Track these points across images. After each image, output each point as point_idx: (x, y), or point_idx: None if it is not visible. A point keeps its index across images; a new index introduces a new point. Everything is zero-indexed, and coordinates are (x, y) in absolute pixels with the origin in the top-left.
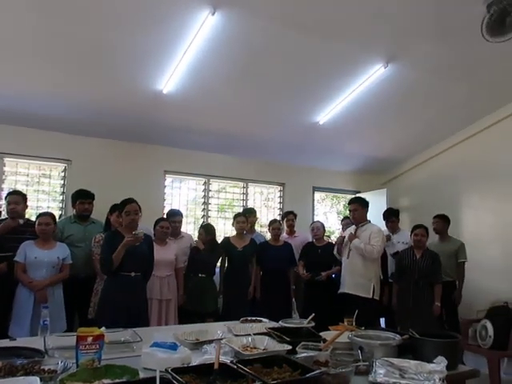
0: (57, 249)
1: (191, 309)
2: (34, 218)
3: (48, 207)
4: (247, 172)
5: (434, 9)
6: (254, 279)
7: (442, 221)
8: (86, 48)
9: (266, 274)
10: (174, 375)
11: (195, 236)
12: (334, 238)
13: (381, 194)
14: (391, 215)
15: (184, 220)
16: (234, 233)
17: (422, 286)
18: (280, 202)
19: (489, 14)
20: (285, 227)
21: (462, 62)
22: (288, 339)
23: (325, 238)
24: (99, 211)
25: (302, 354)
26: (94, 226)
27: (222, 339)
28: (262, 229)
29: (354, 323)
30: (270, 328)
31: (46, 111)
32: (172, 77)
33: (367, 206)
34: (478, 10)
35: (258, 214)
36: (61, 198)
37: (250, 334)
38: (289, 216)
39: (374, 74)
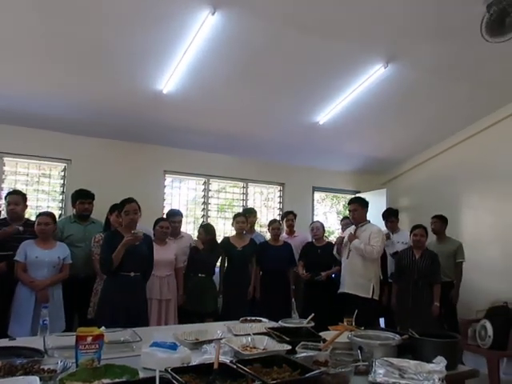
0: (57, 248)
1: (191, 309)
2: (33, 218)
3: (48, 207)
4: (247, 172)
5: (434, 9)
6: (254, 279)
7: (440, 221)
8: (86, 48)
9: (266, 274)
10: (174, 375)
11: (195, 236)
12: (333, 238)
13: (381, 194)
14: (390, 215)
15: (184, 220)
16: (234, 233)
17: (421, 286)
18: (280, 202)
19: (488, 14)
20: (284, 227)
21: (462, 62)
22: (288, 339)
23: (324, 237)
24: (99, 211)
25: (302, 353)
26: (93, 226)
27: (221, 339)
28: (262, 229)
29: (353, 323)
30: (269, 328)
31: (45, 111)
32: (172, 77)
33: (367, 206)
34: (478, 10)
35: (257, 214)
36: (60, 197)
37: (249, 334)
38: (288, 216)
39: (374, 74)
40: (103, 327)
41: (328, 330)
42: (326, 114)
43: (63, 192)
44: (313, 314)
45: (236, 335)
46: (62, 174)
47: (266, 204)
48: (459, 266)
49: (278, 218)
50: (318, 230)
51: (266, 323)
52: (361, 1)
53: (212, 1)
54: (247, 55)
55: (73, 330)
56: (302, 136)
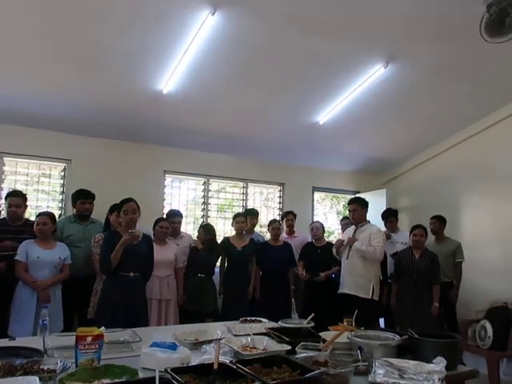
0: (58, 249)
1: (191, 309)
2: (33, 218)
3: (48, 207)
4: (247, 172)
5: (434, 9)
6: (254, 279)
7: (439, 221)
8: (86, 48)
9: (266, 274)
10: (174, 375)
11: (195, 236)
12: (333, 238)
13: (380, 194)
14: (390, 215)
15: (184, 220)
16: (234, 233)
17: (420, 287)
18: (280, 202)
19: (488, 14)
20: (284, 227)
21: (462, 62)
22: (287, 339)
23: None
24: (99, 211)
25: (302, 354)
26: (93, 226)
27: (221, 339)
28: (262, 229)
29: (353, 323)
30: (269, 328)
31: (45, 111)
32: (172, 77)
33: (367, 207)
34: (478, 10)
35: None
36: (60, 197)
37: (249, 334)
38: (288, 216)
39: (374, 74)
40: (103, 327)
41: (328, 330)
42: (326, 114)
43: (63, 192)
44: (313, 315)
45: (236, 335)
46: (62, 173)
47: (266, 204)
48: (458, 265)
49: (277, 218)
50: (318, 230)
51: (266, 323)
52: (361, 1)
53: (212, 1)
54: (247, 55)
55: (73, 330)
56: (301, 136)
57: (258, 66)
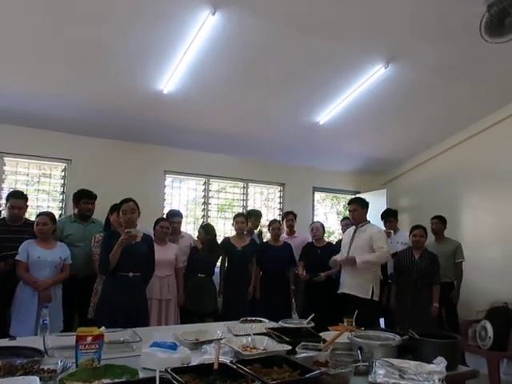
0: (58, 249)
1: (191, 309)
2: (33, 218)
3: (48, 207)
4: (247, 172)
5: (435, 9)
6: (254, 279)
7: (441, 222)
8: (87, 48)
9: (266, 274)
10: (174, 375)
11: (195, 236)
12: (333, 239)
13: (381, 194)
14: (389, 215)
15: (184, 220)
16: (234, 233)
17: (420, 287)
18: (280, 203)
19: (488, 14)
20: (285, 227)
21: (463, 62)
22: (288, 339)
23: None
24: (99, 211)
25: (302, 354)
26: (93, 226)
27: (221, 339)
28: (262, 229)
29: (353, 323)
30: (269, 328)
31: (46, 111)
32: (172, 77)
33: (367, 207)
34: (479, 10)
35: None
36: (61, 197)
37: (249, 334)
38: (288, 216)
39: (374, 75)
40: (103, 327)
41: (328, 330)
42: (327, 114)
43: (63, 192)
44: (313, 315)
45: (236, 335)
46: (63, 174)
47: (266, 204)
48: (459, 266)
49: (278, 218)
50: (318, 230)
51: (266, 323)
52: (361, 1)
53: (212, 1)
54: (248, 55)
55: (73, 329)
56: (302, 136)
57: (258, 66)
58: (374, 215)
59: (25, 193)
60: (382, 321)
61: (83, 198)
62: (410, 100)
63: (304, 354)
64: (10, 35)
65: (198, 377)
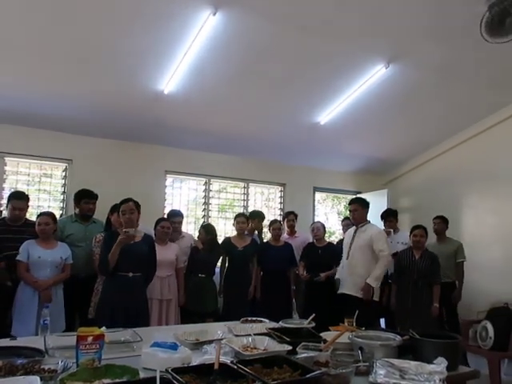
0: (59, 248)
1: (191, 309)
2: (34, 218)
3: (49, 207)
4: (248, 172)
5: (436, 8)
6: (255, 279)
7: (443, 222)
8: (87, 48)
9: (267, 274)
10: (174, 375)
11: (196, 236)
12: (334, 239)
13: (381, 194)
14: (389, 215)
15: (184, 220)
16: (235, 233)
17: (420, 287)
18: (281, 203)
19: (489, 14)
20: (285, 227)
21: (464, 62)
22: (288, 339)
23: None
24: (100, 211)
25: (303, 354)
26: (94, 226)
27: (222, 339)
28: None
29: (354, 324)
30: (270, 328)
31: (47, 111)
32: (173, 77)
33: (367, 207)
34: (480, 10)
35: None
36: (62, 197)
37: (250, 335)
38: (289, 216)
39: (375, 75)
40: (104, 327)
41: (329, 330)
42: (327, 114)
43: (64, 192)
44: (313, 315)
45: (236, 335)
46: (63, 174)
47: (267, 204)
48: (460, 265)
49: (278, 218)
50: (319, 230)
51: (267, 324)
52: (362, 1)
53: (213, 1)
54: (248, 55)
55: (74, 329)
56: (302, 136)
57: (259, 67)
58: (374, 215)
59: (26, 193)
60: (382, 321)
61: (84, 198)
62: (411, 100)
63: (305, 354)
64: (10, 35)
65: (198, 377)
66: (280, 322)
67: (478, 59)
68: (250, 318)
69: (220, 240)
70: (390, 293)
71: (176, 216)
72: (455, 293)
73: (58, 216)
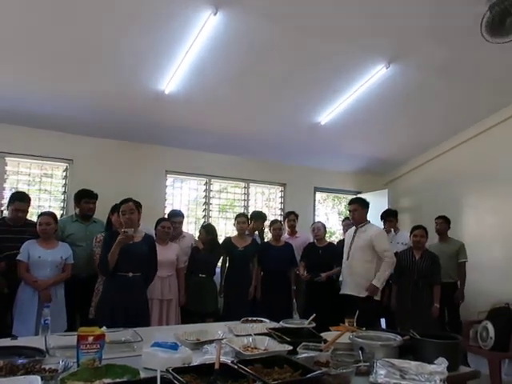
0: (59, 248)
1: (192, 309)
2: (35, 218)
3: (49, 206)
4: (248, 172)
5: (437, 8)
6: (255, 279)
7: (445, 222)
8: (88, 48)
9: (267, 275)
10: (175, 375)
11: (196, 236)
12: (334, 239)
13: (382, 194)
14: (389, 215)
15: (185, 220)
16: (236, 233)
17: (421, 287)
18: (281, 203)
19: (489, 14)
20: (286, 227)
21: (465, 62)
22: (289, 339)
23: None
24: (100, 211)
25: (303, 354)
26: (95, 226)
27: (222, 339)
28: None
29: (354, 324)
30: (270, 328)
31: (47, 111)
32: (174, 77)
33: (367, 207)
34: (481, 10)
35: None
36: (62, 197)
37: (250, 335)
38: (290, 216)
39: (375, 75)
40: (104, 327)
41: (329, 330)
42: (328, 114)
43: (65, 192)
44: (314, 315)
45: (237, 335)
46: (64, 173)
47: (268, 204)
48: (462, 266)
49: (279, 218)
50: (319, 230)
51: (267, 324)
52: (362, 1)
53: (214, 1)
54: (249, 55)
55: (75, 329)
56: (303, 136)
57: (260, 67)
58: (375, 216)
59: (27, 193)
60: (383, 321)
61: (84, 198)
62: (412, 100)
63: (305, 354)
64: (10, 35)
65: (199, 377)
66: (280, 322)
67: (478, 59)
68: (250, 318)
69: (220, 240)
70: (390, 293)
71: (177, 216)
72: (457, 293)
73: (58, 216)
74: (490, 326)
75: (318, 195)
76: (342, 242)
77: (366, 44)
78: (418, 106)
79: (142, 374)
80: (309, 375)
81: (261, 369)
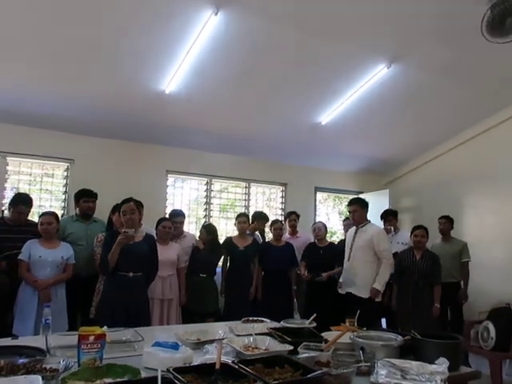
0: (61, 248)
1: (192, 309)
2: (36, 217)
3: (51, 206)
4: (249, 172)
5: (438, 8)
6: (256, 279)
7: (449, 222)
8: (90, 48)
9: (268, 274)
10: (176, 375)
11: (197, 236)
12: (335, 239)
13: (383, 194)
14: (388, 215)
15: (186, 220)
16: (237, 233)
17: (421, 287)
18: (282, 203)
19: (490, 13)
20: (287, 227)
21: (466, 62)
22: (289, 339)
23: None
24: (101, 211)
25: (304, 354)
26: (95, 225)
27: (223, 339)
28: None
29: (355, 324)
30: (271, 328)
31: (48, 111)
32: (174, 77)
33: (367, 207)
34: (482, 10)
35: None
36: (63, 197)
37: (251, 334)
38: (291, 216)
39: (376, 75)
40: (105, 327)
41: (330, 330)
42: (329, 114)
43: (66, 192)
44: (315, 315)
45: (238, 335)
46: (65, 173)
47: (268, 204)
48: (465, 265)
49: (280, 218)
50: (320, 230)
51: (268, 323)
52: (364, 1)
53: (215, 1)
54: (250, 55)
55: (75, 329)
56: (304, 136)
57: (260, 66)
58: (376, 216)
59: (28, 193)
60: (383, 321)
61: (83, 197)
62: (413, 100)
63: (306, 354)
64: (12, 36)
65: (199, 377)
66: (281, 322)
67: (479, 59)
68: (251, 318)
69: (221, 240)
70: (391, 293)
71: (178, 216)
72: (461, 293)
73: (59, 216)
74: (491, 327)
75: (319, 195)
76: (342, 242)
77: (368, 44)
78: (419, 106)
79: (143, 374)
80: (309, 375)
81: (261, 369)
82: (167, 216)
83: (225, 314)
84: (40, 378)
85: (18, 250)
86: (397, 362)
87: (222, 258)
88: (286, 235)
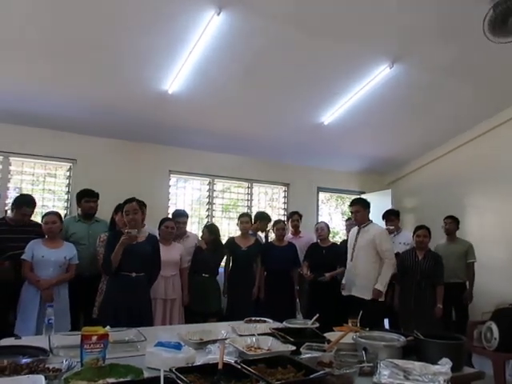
0: (64, 248)
1: (195, 309)
2: (39, 218)
3: (53, 206)
4: (252, 172)
5: (440, 8)
6: (258, 279)
7: (455, 222)
8: (92, 48)
9: (270, 275)
10: (179, 375)
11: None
12: (338, 239)
13: (385, 194)
14: (390, 215)
15: (188, 220)
16: (239, 233)
17: (424, 287)
18: (284, 203)
19: (492, 13)
20: (290, 227)
21: (469, 62)
22: (292, 340)
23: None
24: (104, 211)
25: (306, 354)
26: (97, 225)
27: (226, 339)
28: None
29: (358, 324)
30: (274, 328)
31: (51, 111)
32: (177, 77)
33: (369, 207)
34: (485, 9)
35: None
36: (66, 197)
37: (254, 335)
38: (294, 216)
39: (379, 75)
40: (108, 327)
41: (333, 330)
42: (331, 114)
43: (68, 192)
44: (317, 315)
45: (240, 335)
46: (68, 173)
47: (271, 204)
48: (471, 266)
49: (282, 218)
50: (323, 230)
51: (271, 324)
52: (366, 1)
53: (217, 1)
54: (252, 55)
55: (78, 329)
56: (306, 136)
57: (263, 66)
58: (378, 216)
59: (30, 193)
60: (386, 321)
61: (84, 197)
62: (416, 100)
63: (308, 355)
64: (12, 36)
65: (202, 377)
66: (284, 322)
67: (482, 59)
68: (253, 318)
69: (224, 240)
70: (393, 293)
71: (181, 216)
72: (466, 293)
73: (62, 216)
74: (495, 327)
75: (322, 195)
76: (345, 242)
77: (370, 44)
78: (422, 106)
79: (146, 374)
80: (312, 375)
81: (264, 369)
82: (170, 216)
83: (227, 314)
84: (43, 377)
85: (21, 250)
86: (399, 362)
87: (225, 258)
88: (289, 235)
